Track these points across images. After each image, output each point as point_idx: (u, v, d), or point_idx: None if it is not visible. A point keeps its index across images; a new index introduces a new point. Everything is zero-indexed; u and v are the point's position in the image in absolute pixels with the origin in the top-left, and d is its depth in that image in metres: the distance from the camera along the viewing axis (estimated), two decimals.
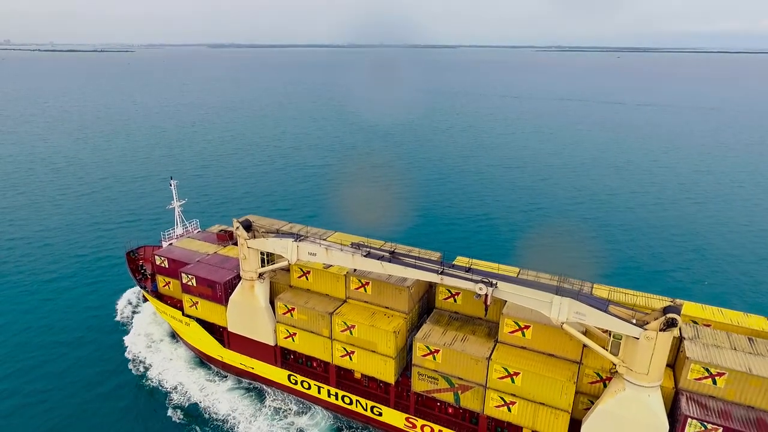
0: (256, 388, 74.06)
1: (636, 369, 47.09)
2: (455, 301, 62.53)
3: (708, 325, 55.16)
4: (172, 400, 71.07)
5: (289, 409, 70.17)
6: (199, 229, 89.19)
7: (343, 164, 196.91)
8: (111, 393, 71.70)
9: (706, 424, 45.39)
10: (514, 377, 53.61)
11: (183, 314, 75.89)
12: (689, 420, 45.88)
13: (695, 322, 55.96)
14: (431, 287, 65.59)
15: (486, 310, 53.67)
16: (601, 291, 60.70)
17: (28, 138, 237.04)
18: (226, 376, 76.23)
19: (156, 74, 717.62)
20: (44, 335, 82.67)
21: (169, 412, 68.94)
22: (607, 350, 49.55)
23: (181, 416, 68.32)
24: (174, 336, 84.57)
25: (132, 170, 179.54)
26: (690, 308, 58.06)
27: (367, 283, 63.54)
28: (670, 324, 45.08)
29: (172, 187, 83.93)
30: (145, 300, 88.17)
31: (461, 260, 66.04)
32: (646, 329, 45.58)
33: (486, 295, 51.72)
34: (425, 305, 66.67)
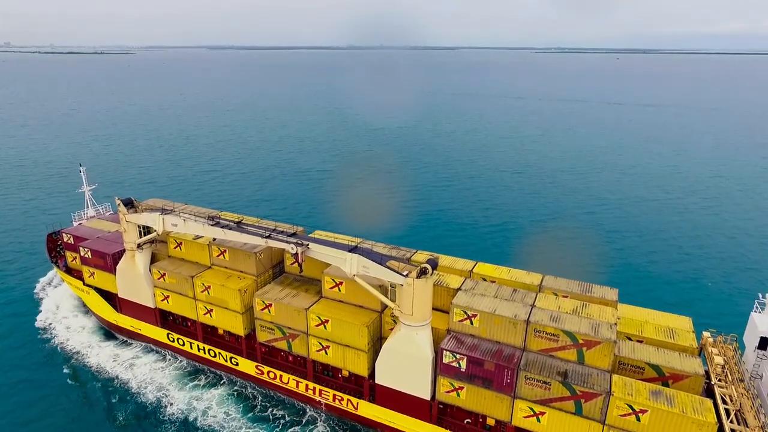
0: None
1: (405, 311, 57.02)
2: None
3: (493, 281, 64.95)
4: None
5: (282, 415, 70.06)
6: (111, 212, 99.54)
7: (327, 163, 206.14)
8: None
9: (456, 354, 55.29)
10: (326, 324, 63.60)
11: (84, 284, 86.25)
12: (444, 351, 55.82)
13: (485, 279, 65.87)
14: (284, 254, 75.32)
15: (300, 268, 63.75)
16: (420, 255, 70.64)
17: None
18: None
19: (157, 76, 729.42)
20: None
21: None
22: (388, 298, 59.48)
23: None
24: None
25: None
26: (485, 268, 68.52)
27: (225, 251, 73.77)
28: (423, 272, 55.12)
29: (82, 173, 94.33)
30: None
31: (319, 233, 76.30)
32: (407, 277, 55.48)
33: (297, 254, 61.80)
34: (281, 270, 76.42)
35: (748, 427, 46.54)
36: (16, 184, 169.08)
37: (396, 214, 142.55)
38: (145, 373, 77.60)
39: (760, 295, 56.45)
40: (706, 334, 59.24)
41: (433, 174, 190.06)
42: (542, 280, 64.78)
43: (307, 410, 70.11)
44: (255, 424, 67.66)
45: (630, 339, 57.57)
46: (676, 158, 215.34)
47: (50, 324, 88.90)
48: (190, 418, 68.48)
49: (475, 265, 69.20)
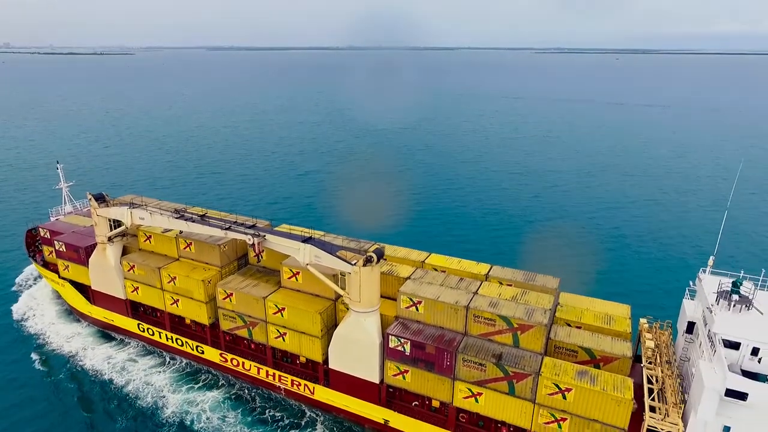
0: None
1: (353, 298, 59.75)
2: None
3: (443, 271, 67.60)
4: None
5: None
6: (88, 207, 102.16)
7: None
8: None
9: (400, 339, 57.97)
10: (283, 312, 66.33)
11: (59, 277, 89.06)
12: (390, 336, 58.52)
13: (436, 269, 68.53)
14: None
15: (258, 258, 66.42)
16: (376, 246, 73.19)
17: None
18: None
19: (156, 77, 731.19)
20: None
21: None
22: (339, 286, 62.20)
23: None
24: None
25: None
26: (436, 259, 71.27)
27: (191, 243, 76.51)
28: (368, 260, 57.79)
29: (59, 170, 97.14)
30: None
31: (284, 227, 78.93)
32: (354, 266, 58.17)
33: (254, 245, 64.51)
34: (246, 262, 79.09)
35: (666, 403, 49.13)
36: (15, 185, 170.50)
37: (393, 215, 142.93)
38: (141, 376, 76.61)
39: (691, 283, 58.96)
40: (642, 320, 61.80)
41: (433, 174, 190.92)
42: (489, 270, 67.40)
43: (306, 412, 69.76)
44: (254, 427, 67.19)
45: (569, 325, 60.18)
46: (677, 159, 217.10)
47: (41, 329, 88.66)
48: (187, 422, 67.68)
49: (428, 256, 71.92)
